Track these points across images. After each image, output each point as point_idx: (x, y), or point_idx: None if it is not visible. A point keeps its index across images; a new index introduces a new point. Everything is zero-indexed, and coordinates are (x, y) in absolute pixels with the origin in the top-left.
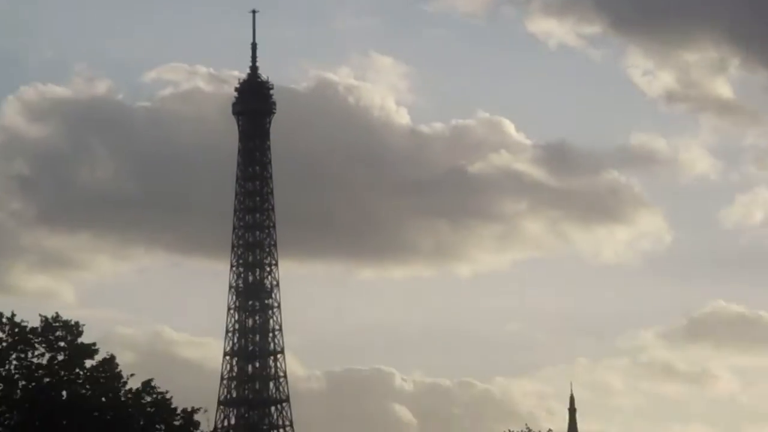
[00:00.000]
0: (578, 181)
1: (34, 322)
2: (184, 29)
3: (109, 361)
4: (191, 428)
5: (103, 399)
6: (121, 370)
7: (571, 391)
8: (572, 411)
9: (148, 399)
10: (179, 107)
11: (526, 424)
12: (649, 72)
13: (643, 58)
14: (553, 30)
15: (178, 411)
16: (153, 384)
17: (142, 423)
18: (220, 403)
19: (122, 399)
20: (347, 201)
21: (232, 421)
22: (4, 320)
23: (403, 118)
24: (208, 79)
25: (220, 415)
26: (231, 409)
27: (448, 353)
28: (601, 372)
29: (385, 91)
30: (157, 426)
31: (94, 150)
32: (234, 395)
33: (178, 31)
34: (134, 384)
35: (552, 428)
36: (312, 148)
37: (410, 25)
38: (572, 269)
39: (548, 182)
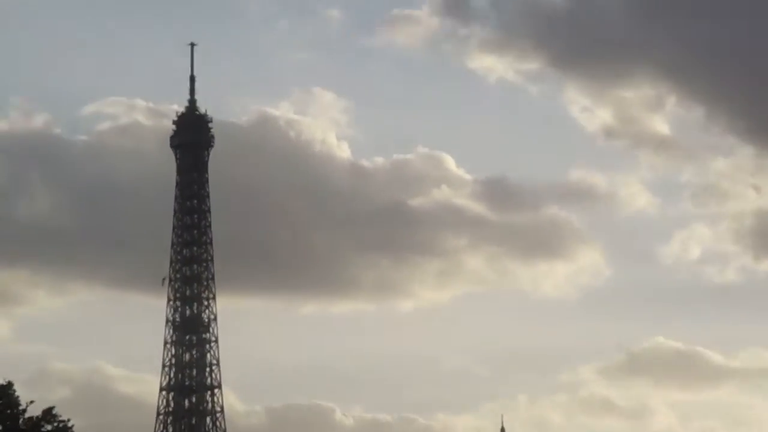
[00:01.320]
0: (518, 216)
1: None
2: (122, 62)
3: (6, 388)
4: None
5: (0, 427)
6: (18, 397)
7: (502, 424)
8: None
9: (49, 428)
10: (118, 141)
11: None
12: (587, 108)
13: (581, 95)
14: (493, 66)
15: None
16: (54, 412)
17: None
18: None
19: (21, 428)
20: (287, 235)
21: None
22: None
23: (344, 152)
24: (147, 113)
25: None
26: None
27: (388, 388)
28: (541, 407)
29: (326, 125)
30: None
31: (32, 184)
32: (170, 431)
33: (116, 64)
34: (34, 412)
35: None
36: (252, 182)
37: (351, 60)
38: (513, 304)
39: (489, 217)
